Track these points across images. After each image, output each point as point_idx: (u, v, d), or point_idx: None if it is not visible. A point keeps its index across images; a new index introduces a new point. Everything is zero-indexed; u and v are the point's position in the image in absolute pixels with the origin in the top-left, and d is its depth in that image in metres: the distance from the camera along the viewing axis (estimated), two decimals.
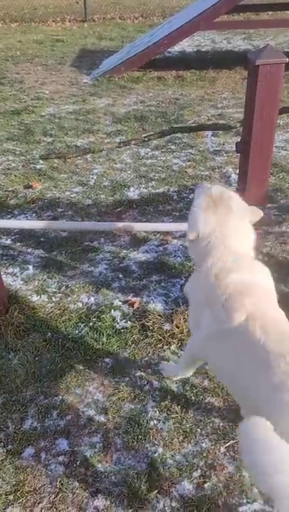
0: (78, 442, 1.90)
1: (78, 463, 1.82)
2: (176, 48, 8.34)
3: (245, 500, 1.68)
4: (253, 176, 2.01)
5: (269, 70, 1.73)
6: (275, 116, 1.86)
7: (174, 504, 1.68)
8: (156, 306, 2.61)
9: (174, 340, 2.36)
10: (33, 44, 9.49)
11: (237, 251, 1.62)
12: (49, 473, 1.80)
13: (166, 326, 2.43)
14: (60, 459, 1.85)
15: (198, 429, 1.94)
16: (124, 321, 2.50)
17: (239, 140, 2.05)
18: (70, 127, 5.27)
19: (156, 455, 1.84)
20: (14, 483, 1.77)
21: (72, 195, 3.86)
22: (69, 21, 11.85)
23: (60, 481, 1.76)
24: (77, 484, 1.75)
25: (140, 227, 3.30)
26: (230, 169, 4.11)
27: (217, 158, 4.40)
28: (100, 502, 1.69)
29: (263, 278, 1.63)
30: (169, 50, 7.52)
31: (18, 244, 3.24)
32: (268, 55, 1.73)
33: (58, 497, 1.72)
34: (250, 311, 1.45)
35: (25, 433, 1.94)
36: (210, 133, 4.99)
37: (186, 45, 8.85)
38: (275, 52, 1.76)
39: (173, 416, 1.99)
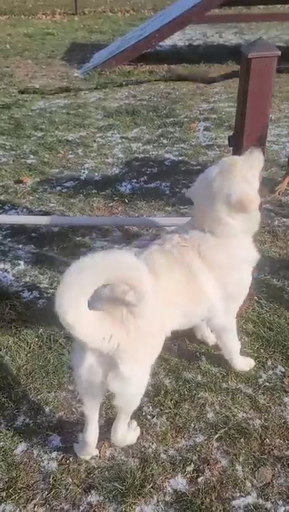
0: (71, 438, 1.89)
1: (71, 459, 1.81)
2: (168, 42, 8.29)
3: (238, 494, 1.69)
4: None
5: (261, 63, 1.72)
6: (268, 109, 1.85)
7: (167, 499, 1.68)
8: None
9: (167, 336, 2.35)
10: (22, 37, 9.39)
11: None
12: (42, 469, 1.79)
13: None
14: (53, 455, 1.84)
15: (192, 424, 1.93)
16: None
17: (231, 134, 2.04)
18: (61, 121, 5.22)
19: (149, 450, 1.84)
20: (7, 479, 1.75)
21: (63, 190, 3.83)
22: (59, 14, 11.74)
23: (53, 477, 1.75)
24: (71, 480, 1.74)
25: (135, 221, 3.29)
26: None
27: (209, 153, 4.39)
28: (93, 498, 1.69)
29: None
30: (160, 44, 7.47)
31: (9, 239, 3.21)
32: (260, 48, 1.72)
33: (52, 493, 1.71)
34: None
35: (18, 430, 1.92)
36: (202, 127, 4.97)
37: (177, 39, 8.81)
38: (267, 46, 1.74)
39: (166, 411, 1.98)
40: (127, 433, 1.81)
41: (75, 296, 1.37)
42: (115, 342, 1.48)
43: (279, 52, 1.76)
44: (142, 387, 1.67)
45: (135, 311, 1.52)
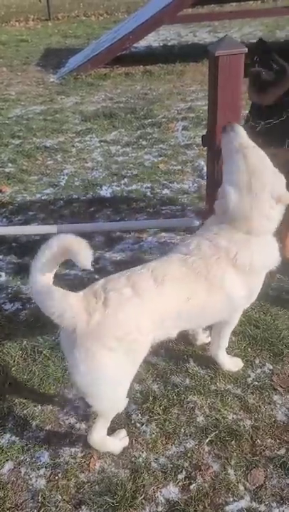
0: (59, 453, 1.84)
1: (60, 475, 1.77)
2: (143, 43, 8.27)
3: (231, 499, 1.66)
4: (221, 169, 1.98)
5: (229, 61, 1.70)
6: (240, 106, 1.83)
7: (160, 509, 1.64)
8: None
9: None
10: None
11: None
12: (30, 487, 1.74)
13: None
14: (41, 472, 1.79)
15: (182, 430, 1.90)
16: None
17: (205, 134, 2.01)
18: (39, 128, 5.17)
19: (140, 460, 1.80)
20: None
21: (43, 198, 3.78)
22: (32, 20, 11.66)
23: (42, 495, 1.70)
24: (60, 497, 1.69)
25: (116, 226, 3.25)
26: (202, 162, 4.08)
27: (188, 152, 4.37)
28: None
29: None
30: (135, 45, 7.46)
31: None
32: (227, 46, 1.69)
33: (41, 511, 1.66)
34: None
35: (4, 448, 1.87)
36: (180, 127, 4.96)
37: (152, 40, 8.80)
38: (234, 43, 1.72)
39: (155, 418, 1.95)
40: (107, 439, 1.79)
41: (40, 270, 1.59)
42: (74, 323, 1.56)
43: (246, 49, 1.74)
44: (108, 388, 1.64)
45: (108, 304, 1.58)
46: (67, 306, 1.55)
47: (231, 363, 2.14)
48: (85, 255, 1.55)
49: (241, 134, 1.75)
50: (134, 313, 1.62)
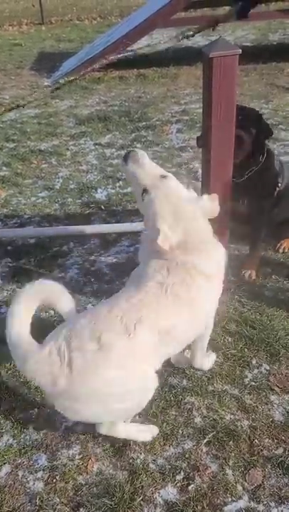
0: (57, 456, 1.83)
1: (58, 477, 1.76)
2: (136, 47, 8.28)
3: (230, 499, 1.66)
4: (215, 170, 1.99)
5: (223, 62, 1.71)
6: (233, 108, 1.84)
7: (158, 510, 1.63)
8: None
9: None
10: None
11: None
12: (28, 491, 1.73)
13: None
14: (39, 475, 1.78)
15: (180, 431, 1.90)
16: None
17: (199, 135, 2.03)
18: (33, 131, 5.16)
19: (137, 461, 1.79)
20: None
21: (38, 201, 3.77)
22: (26, 25, 11.66)
23: (40, 498, 1.69)
24: (58, 500, 1.69)
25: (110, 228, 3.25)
26: (197, 165, 4.10)
27: (183, 155, 4.39)
28: None
29: None
30: (128, 48, 7.47)
31: None
32: (221, 48, 1.71)
33: None
34: None
35: (1, 451, 1.86)
36: (174, 129, 4.97)
37: (145, 44, 8.82)
38: (228, 45, 1.74)
39: (153, 419, 1.94)
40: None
41: (17, 315, 1.68)
42: (41, 384, 1.64)
43: (240, 51, 1.75)
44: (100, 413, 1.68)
45: (72, 367, 1.56)
46: (33, 366, 1.58)
47: (207, 360, 2.15)
48: (66, 303, 1.62)
49: (142, 169, 1.71)
50: (101, 371, 1.56)
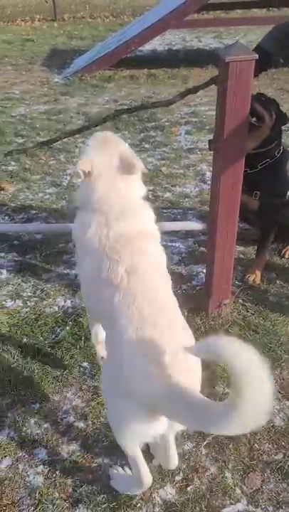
0: (57, 451, 1.85)
1: (58, 472, 1.77)
2: (148, 47, 8.31)
3: (228, 502, 1.67)
4: (226, 174, 2.00)
5: (239, 67, 1.72)
6: (247, 113, 1.85)
7: (156, 510, 1.64)
8: None
9: None
10: (1, 44, 9.30)
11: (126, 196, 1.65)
12: (28, 484, 1.74)
13: None
14: (39, 469, 1.79)
15: (180, 431, 1.91)
16: None
17: (212, 138, 2.03)
18: (42, 127, 5.18)
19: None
20: None
21: (45, 197, 3.78)
22: (38, 20, 11.67)
23: (40, 493, 1.70)
24: (58, 495, 1.70)
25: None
26: (205, 167, 4.11)
27: (191, 156, 4.39)
28: (81, 511, 1.65)
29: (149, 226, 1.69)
30: (140, 48, 7.49)
31: None
32: (237, 52, 1.71)
33: (38, 509, 1.66)
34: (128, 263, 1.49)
35: (2, 444, 1.87)
36: (183, 131, 4.98)
37: (157, 44, 8.83)
38: (244, 49, 1.74)
39: None
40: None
41: None
42: None
43: (256, 56, 1.76)
44: None
45: None
46: None
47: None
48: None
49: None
50: None
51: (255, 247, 2.87)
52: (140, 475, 1.55)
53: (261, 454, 1.82)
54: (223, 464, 1.78)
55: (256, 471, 1.76)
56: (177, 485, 1.72)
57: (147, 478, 1.57)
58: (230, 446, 1.84)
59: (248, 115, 1.88)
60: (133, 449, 1.51)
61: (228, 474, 1.75)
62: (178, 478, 1.74)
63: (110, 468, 1.76)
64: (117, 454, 1.83)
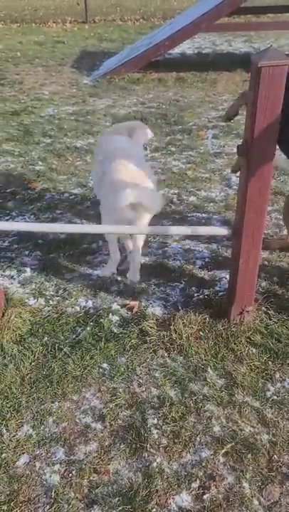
0: (74, 451, 1.85)
1: (74, 472, 1.78)
2: (177, 50, 8.31)
3: None
4: (254, 179, 1.97)
5: (272, 72, 1.70)
6: (277, 118, 1.82)
7: None
8: (155, 310, 2.57)
9: (173, 346, 2.32)
10: (33, 45, 9.46)
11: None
12: (44, 482, 1.76)
13: (165, 331, 2.39)
14: (56, 468, 1.80)
15: (198, 438, 1.89)
16: (123, 325, 2.46)
17: (240, 143, 2.01)
18: (70, 128, 5.24)
19: (154, 464, 1.79)
20: (8, 492, 1.72)
21: (71, 197, 3.82)
22: (70, 22, 11.82)
23: (56, 491, 1.71)
24: (73, 494, 1.70)
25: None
26: None
27: (217, 161, 4.37)
28: None
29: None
30: (169, 51, 7.49)
31: (16, 246, 3.20)
32: (270, 57, 1.69)
33: (53, 508, 1.67)
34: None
35: (21, 441, 1.89)
36: (210, 135, 4.95)
37: (186, 47, 8.82)
38: (278, 54, 1.72)
39: (171, 424, 1.94)
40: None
41: None
42: None
43: None
44: None
45: None
46: None
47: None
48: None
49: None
50: None
51: (280, 255, 2.82)
52: (112, 254, 2.78)
53: (280, 466, 1.78)
54: (241, 474, 1.76)
55: (275, 483, 1.72)
56: (193, 492, 1.70)
57: (116, 255, 2.78)
58: (249, 456, 1.82)
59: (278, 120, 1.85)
60: (111, 237, 2.75)
61: (245, 484, 1.72)
62: (194, 485, 1.72)
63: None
64: (133, 457, 1.82)
